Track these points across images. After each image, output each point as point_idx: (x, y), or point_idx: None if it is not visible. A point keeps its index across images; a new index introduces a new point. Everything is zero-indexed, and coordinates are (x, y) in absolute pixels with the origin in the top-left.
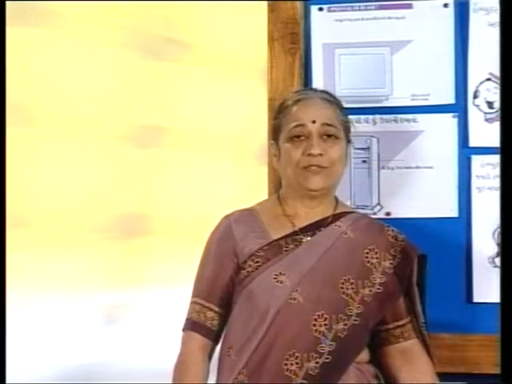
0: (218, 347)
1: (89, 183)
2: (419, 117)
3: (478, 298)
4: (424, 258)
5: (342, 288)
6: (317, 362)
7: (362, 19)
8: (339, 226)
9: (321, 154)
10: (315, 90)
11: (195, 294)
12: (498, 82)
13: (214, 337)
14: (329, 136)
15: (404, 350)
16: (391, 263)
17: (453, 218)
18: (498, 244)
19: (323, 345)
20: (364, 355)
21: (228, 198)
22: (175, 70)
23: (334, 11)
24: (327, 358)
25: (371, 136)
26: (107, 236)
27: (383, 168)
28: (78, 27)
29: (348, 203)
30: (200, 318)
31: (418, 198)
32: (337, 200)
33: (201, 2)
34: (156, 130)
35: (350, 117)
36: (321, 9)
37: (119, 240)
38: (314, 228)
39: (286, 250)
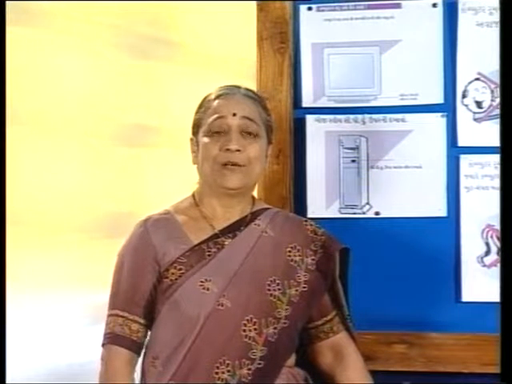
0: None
1: (76, 182)
2: (408, 116)
3: (466, 297)
4: (346, 251)
5: (269, 290)
6: (249, 369)
7: (351, 19)
8: (258, 225)
9: (238, 150)
10: (239, 87)
11: (114, 305)
12: (487, 81)
13: (139, 350)
14: (249, 133)
15: (333, 344)
16: (313, 259)
17: (441, 217)
18: (486, 243)
19: (254, 350)
20: (291, 359)
21: None
22: (164, 70)
23: (322, 11)
24: (259, 364)
25: (360, 135)
26: (94, 236)
27: (372, 167)
28: (66, 26)
29: (337, 203)
30: (124, 332)
31: (407, 197)
32: (253, 198)
33: (190, 1)
34: (144, 129)
35: (339, 116)
36: (310, 8)
37: (106, 240)
38: (234, 229)
39: (208, 255)
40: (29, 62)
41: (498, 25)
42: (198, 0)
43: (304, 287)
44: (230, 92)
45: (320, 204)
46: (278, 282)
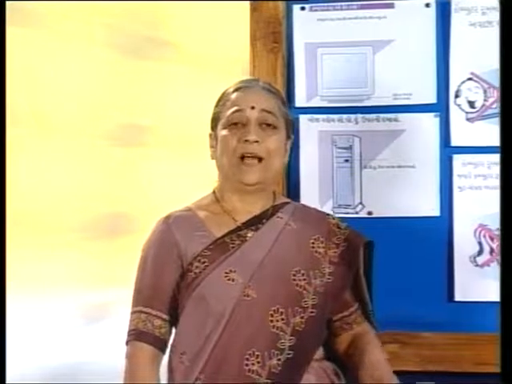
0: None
1: (72, 182)
2: (401, 116)
3: (459, 296)
4: (369, 245)
5: (295, 280)
6: (279, 359)
7: (344, 19)
8: (281, 218)
9: (257, 141)
10: (257, 81)
11: (138, 302)
12: (480, 81)
13: (163, 346)
14: (268, 125)
15: (356, 334)
16: (335, 252)
17: (434, 216)
18: (479, 243)
19: (283, 340)
20: (321, 351)
21: None
22: (157, 69)
23: (315, 11)
24: (289, 354)
25: (353, 135)
26: (90, 235)
27: (365, 167)
28: (59, 26)
29: (330, 202)
30: (148, 327)
31: (400, 197)
32: (274, 193)
33: (183, 1)
34: (138, 128)
35: (332, 116)
36: (303, 8)
37: (102, 239)
38: (256, 222)
39: (232, 247)
40: (22, 61)
41: (492, 24)
42: (192, 0)
43: (328, 278)
44: (248, 85)
45: (313, 203)
46: (302, 272)
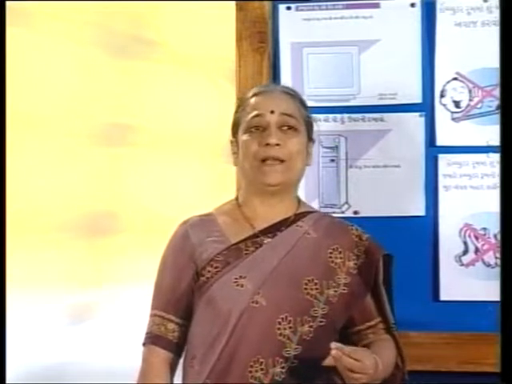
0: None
1: (56, 182)
2: (386, 116)
3: (444, 296)
4: (389, 257)
5: (306, 289)
6: (283, 367)
7: (330, 18)
8: (301, 226)
9: (278, 144)
10: (276, 85)
11: (154, 306)
12: (465, 81)
13: (176, 349)
14: (288, 128)
15: (373, 342)
16: (355, 263)
17: (420, 216)
18: (464, 242)
19: (288, 349)
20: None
21: (196, 196)
22: (143, 69)
23: (301, 10)
24: (293, 363)
25: (339, 135)
26: (75, 235)
27: (351, 167)
28: (44, 25)
29: (316, 202)
30: (161, 331)
31: (386, 196)
32: (299, 200)
33: (169, 0)
34: (123, 128)
35: (318, 115)
36: (289, 8)
37: (87, 239)
38: (274, 229)
39: (246, 253)
40: (8, 60)
41: (476, 25)
42: (178, 0)
43: (343, 289)
44: (267, 89)
45: None
46: (315, 281)
